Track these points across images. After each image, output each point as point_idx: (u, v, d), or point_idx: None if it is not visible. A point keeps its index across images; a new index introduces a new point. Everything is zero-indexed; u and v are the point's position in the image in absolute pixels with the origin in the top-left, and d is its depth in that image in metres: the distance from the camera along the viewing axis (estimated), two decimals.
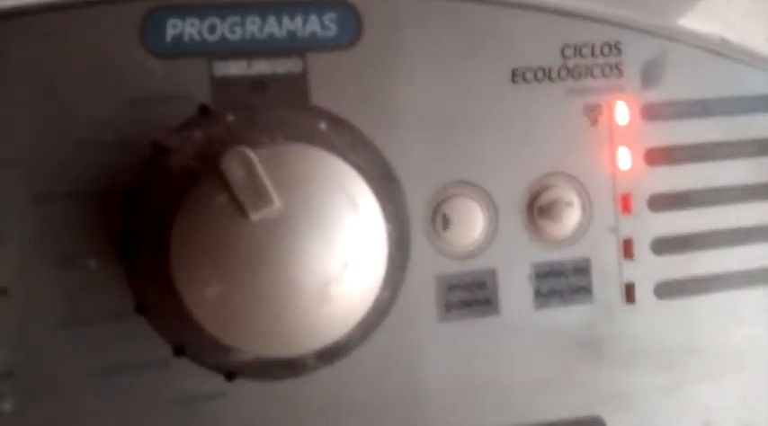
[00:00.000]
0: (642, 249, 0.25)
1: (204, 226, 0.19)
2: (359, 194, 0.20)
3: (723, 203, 0.25)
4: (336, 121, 0.23)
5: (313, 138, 0.22)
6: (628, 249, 0.25)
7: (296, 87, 0.22)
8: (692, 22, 0.24)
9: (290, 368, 0.23)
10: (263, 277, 0.19)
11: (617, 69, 0.25)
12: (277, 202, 0.19)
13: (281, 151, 0.20)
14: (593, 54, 0.24)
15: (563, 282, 0.24)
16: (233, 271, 0.19)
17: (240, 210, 0.19)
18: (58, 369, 0.21)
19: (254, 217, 0.19)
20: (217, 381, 0.22)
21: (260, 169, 0.19)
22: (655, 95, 0.25)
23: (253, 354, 0.21)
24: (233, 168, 0.19)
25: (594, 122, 0.24)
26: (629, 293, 0.25)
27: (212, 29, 0.22)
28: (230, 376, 0.22)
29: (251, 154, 0.19)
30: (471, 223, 0.24)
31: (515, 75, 0.24)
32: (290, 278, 0.19)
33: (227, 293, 0.19)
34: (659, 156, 0.25)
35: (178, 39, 0.22)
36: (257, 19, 0.22)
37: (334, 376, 0.23)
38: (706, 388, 0.26)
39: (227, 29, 0.22)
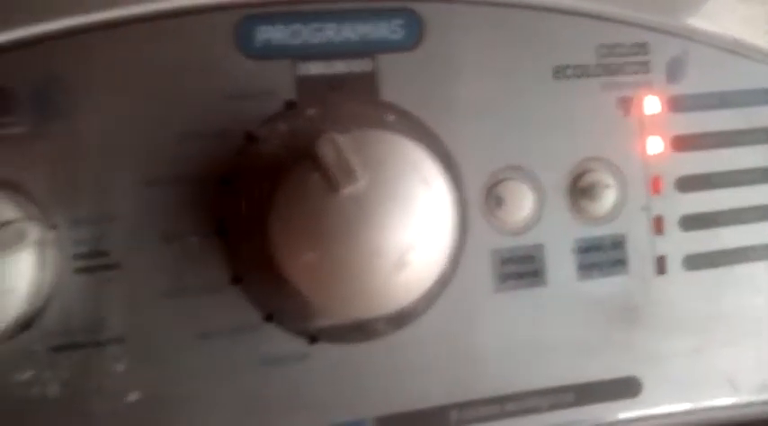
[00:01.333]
0: (671, 225, 0.28)
1: (300, 201, 0.22)
2: (430, 174, 0.23)
3: (741, 184, 0.28)
4: (402, 114, 0.26)
5: (383, 129, 0.25)
6: (658, 226, 0.28)
7: (367, 84, 0.25)
8: (710, 22, 0.28)
9: (363, 332, 0.25)
10: (350, 244, 0.22)
11: (645, 66, 0.28)
12: (362, 180, 0.22)
13: (364, 136, 0.23)
14: (624, 53, 0.27)
15: (602, 256, 0.27)
16: (325, 240, 0.22)
17: (332, 187, 0.22)
18: (163, 335, 0.24)
19: (344, 192, 0.22)
20: (301, 344, 0.25)
21: (348, 151, 0.22)
22: (679, 89, 0.28)
23: (337, 316, 0.24)
24: (325, 151, 0.22)
25: (627, 113, 0.27)
26: (661, 265, 0.28)
27: (296, 34, 0.25)
28: (312, 339, 0.25)
29: (340, 138, 0.22)
30: (521, 203, 0.27)
31: (557, 72, 0.27)
32: (373, 245, 0.22)
33: (320, 259, 0.22)
34: (684, 143, 0.28)
35: (267, 43, 0.25)
36: (334, 25, 0.25)
37: (400, 340, 0.26)
38: (729, 351, 0.28)
39: (309, 34, 0.25)
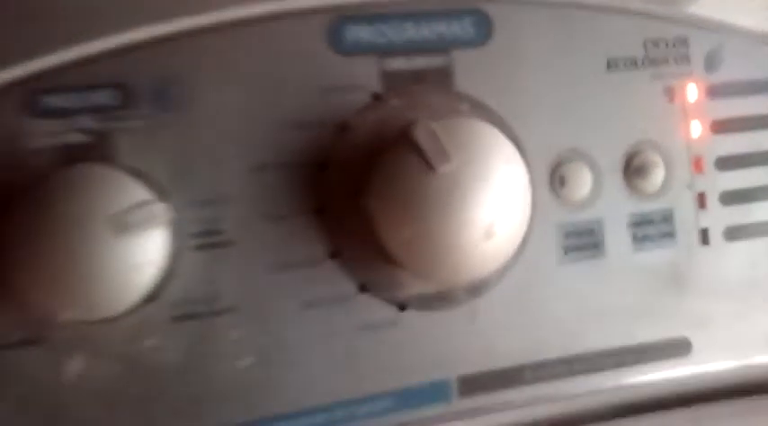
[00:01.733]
0: (712, 201, 0.31)
1: (399, 182, 0.25)
2: (511, 155, 0.26)
3: None
4: (475, 104, 0.28)
5: (457, 116, 0.28)
6: (701, 201, 0.31)
7: (444, 77, 0.28)
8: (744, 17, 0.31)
9: (445, 300, 0.28)
10: (445, 218, 0.24)
11: (686, 58, 0.31)
12: (454, 161, 0.25)
13: (454, 123, 0.25)
14: (667, 46, 0.30)
15: (653, 229, 0.30)
16: (423, 215, 0.24)
17: (428, 168, 0.25)
18: (271, 305, 0.26)
19: (440, 171, 0.24)
20: (391, 312, 0.27)
21: (441, 136, 0.25)
22: (716, 78, 0.31)
23: (431, 283, 0.27)
24: (421, 136, 0.25)
25: (672, 100, 0.30)
26: (704, 237, 0.31)
27: (381, 33, 0.28)
28: (402, 307, 0.28)
29: (433, 125, 0.25)
30: (581, 182, 0.29)
31: (610, 65, 0.30)
32: (464, 218, 0.25)
33: (418, 232, 0.25)
34: (722, 126, 0.31)
35: (356, 41, 0.27)
36: (414, 25, 0.28)
37: (478, 307, 0.28)
38: (766, 314, 0.32)
39: (392, 33, 0.28)
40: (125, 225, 0.22)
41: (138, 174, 0.25)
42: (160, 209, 0.23)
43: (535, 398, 0.29)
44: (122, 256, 0.23)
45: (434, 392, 0.28)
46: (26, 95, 0.24)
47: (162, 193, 0.25)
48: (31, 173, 0.24)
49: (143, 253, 0.23)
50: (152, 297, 0.25)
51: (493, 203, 0.25)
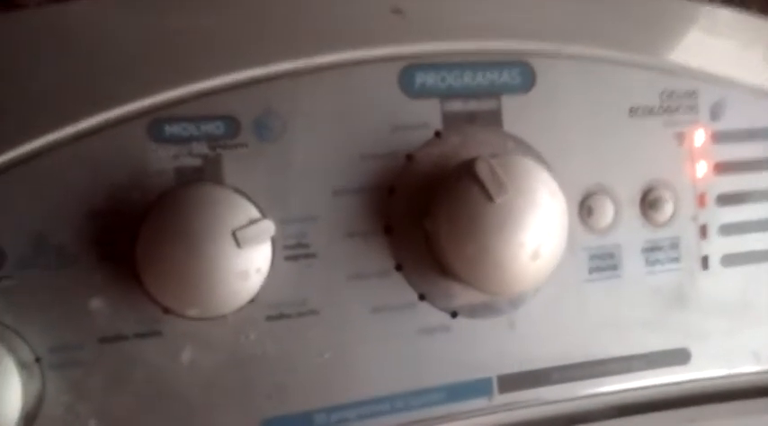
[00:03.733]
0: (713, 232, 0.36)
1: (463, 207, 0.29)
2: (554, 189, 0.31)
3: (766, 200, 0.37)
4: (519, 142, 0.33)
5: (509, 153, 0.32)
6: (703, 232, 0.36)
7: (494, 119, 0.33)
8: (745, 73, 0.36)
9: (490, 310, 0.33)
10: (501, 240, 0.29)
11: (695, 108, 0.36)
12: (510, 191, 0.29)
13: (508, 159, 0.30)
14: (679, 97, 0.36)
15: (662, 254, 0.35)
16: (483, 237, 0.29)
17: (488, 197, 0.29)
18: (346, 309, 0.31)
19: (498, 201, 0.29)
20: (445, 318, 0.32)
21: (498, 170, 0.30)
22: (720, 126, 0.36)
23: (480, 294, 0.31)
24: (482, 170, 0.30)
25: (681, 144, 0.36)
26: (705, 262, 0.36)
27: (444, 79, 0.32)
28: (454, 315, 0.32)
29: (492, 161, 0.30)
30: (605, 212, 0.34)
31: (631, 112, 0.35)
32: (517, 241, 0.29)
33: (478, 251, 0.29)
34: (723, 168, 0.36)
35: (422, 86, 0.32)
36: (470, 73, 0.33)
37: (517, 316, 0.33)
38: (756, 331, 0.37)
39: (452, 79, 0.32)
40: (244, 238, 0.27)
41: (242, 194, 0.29)
42: (269, 226, 0.28)
43: (560, 396, 0.34)
44: (239, 265, 0.27)
45: (478, 388, 0.33)
46: (150, 124, 0.29)
47: (260, 211, 0.29)
48: (155, 191, 0.28)
49: (254, 263, 0.28)
50: (252, 299, 0.29)
51: (539, 229, 0.30)
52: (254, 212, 0.28)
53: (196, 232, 0.27)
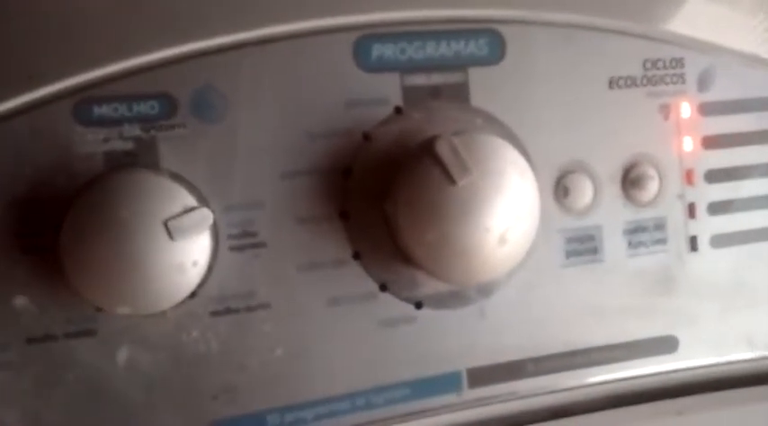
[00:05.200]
0: (701, 211, 0.33)
1: (423, 191, 0.27)
2: (524, 169, 0.28)
3: (758, 176, 0.34)
4: (489, 118, 0.31)
5: (474, 131, 0.30)
6: (691, 211, 0.33)
7: (460, 93, 0.30)
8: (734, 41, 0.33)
9: (458, 299, 0.30)
10: (464, 225, 0.27)
11: (681, 78, 0.33)
12: (474, 173, 0.27)
13: (472, 138, 0.28)
14: (664, 67, 0.33)
15: (647, 236, 0.33)
16: (445, 222, 0.27)
17: (450, 179, 0.27)
18: (299, 301, 0.29)
19: (460, 183, 0.27)
20: (409, 309, 0.30)
21: (461, 150, 0.27)
22: (708, 97, 0.33)
23: (450, 283, 0.29)
24: (443, 149, 0.27)
25: (667, 117, 0.33)
26: (693, 243, 0.33)
27: (403, 51, 0.30)
28: (418, 305, 0.30)
29: (455, 139, 0.27)
30: (583, 192, 0.32)
31: (611, 83, 0.32)
32: (482, 225, 0.27)
33: (440, 237, 0.27)
34: (712, 142, 0.34)
35: (380, 58, 0.29)
36: (433, 43, 0.30)
37: (487, 306, 0.31)
38: (748, 314, 0.34)
39: (413, 51, 0.30)
40: (177, 229, 0.24)
41: (180, 180, 0.27)
42: (206, 215, 0.25)
43: (536, 389, 0.32)
44: (173, 257, 0.25)
45: (447, 383, 0.30)
46: (77, 105, 0.26)
47: (200, 198, 0.27)
48: (82, 177, 0.26)
49: (190, 255, 0.25)
50: (193, 293, 0.27)
51: (507, 212, 0.27)
52: (190, 200, 0.26)
53: (123, 222, 0.24)
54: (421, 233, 0.27)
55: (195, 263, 0.25)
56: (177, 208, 0.25)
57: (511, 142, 0.29)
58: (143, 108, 0.27)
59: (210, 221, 0.26)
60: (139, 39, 0.27)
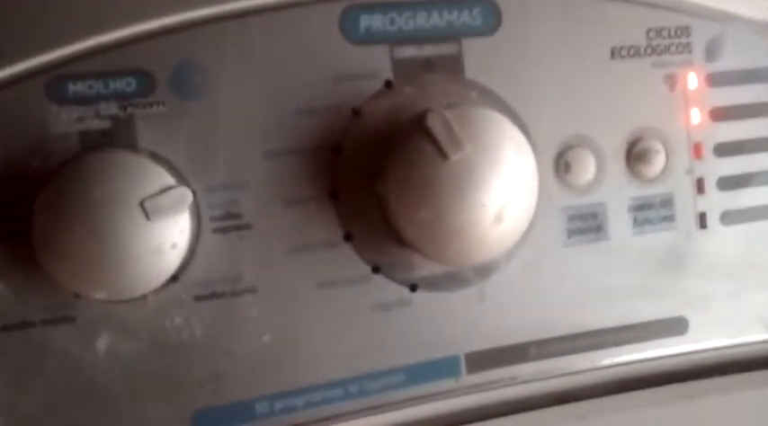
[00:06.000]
0: (711, 186, 0.32)
1: (415, 168, 0.26)
2: (521, 143, 0.27)
3: None
4: (484, 91, 0.29)
5: (469, 104, 0.28)
6: (700, 186, 0.32)
7: (454, 65, 0.29)
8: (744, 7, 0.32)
9: (456, 281, 0.29)
10: (459, 203, 0.25)
11: (688, 47, 0.32)
12: (468, 148, 0.26)
13: (466, 112, 0.26)
14: (669, 35, 0.31)
15: (654, 213, 0.31)
16: (438, 199, 0.25)
17: (442, 154, 0.25)
18: (287, 285, 0.27)
19: (453, 159, 0.25)
20: (403, 292, 0.29)
21: (454, 125, 0.26)
22: (716, 67, 0.32)
23: (442, 264, 0.28)
24: (435, 125, 0.26)
25: (673, 88, 0.31)
26: (702, 220, 0.32)
27: (392, 21, 0.28)
28: (413, 288, 0.29)
29: (447, 113, 0.26)
30: (585, 167, 0.30)
31: (613, 53, 0.31)
32: (477, 203, 0.25)
33: (433, 216, 0.25)
34: (721, 114, 0.32)
35: (368, 29, 0.28)
36: (424, 13, 0.29)
37: (486, 287, 0.30)
38: (761, 294, 0.33)
39: (403, 21, 0.28)
40: (152, 209, 0.23)
41: (159, 160, 0.26)
42: (184, 194, 0.24)
43: (539, 374, 0.30)
44: (150, 239, 0.23)
45: (444, 368, 0.29)
46: (50, 82, 0.25)
47: (180, 178, 0.26)
48: (56, 158, 0.25)
49: (169, 236, 0.24)
50: (175, 277, 0.26)
51: (503, 189, 0.26)
52: (168, 179, 0.24)
53: (97, 203, 0.23)
54: (413, 211, 0.26)
55: (174, 246, 0.24)
56: (154, 188, 0.24)
57: (508, 116, 0.28)
58: (119, 85, 0.26)
59: (190, 201, 0.24)
60: (114, 12, 0.25)
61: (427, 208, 0.26)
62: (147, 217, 0.23)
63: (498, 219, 0.26)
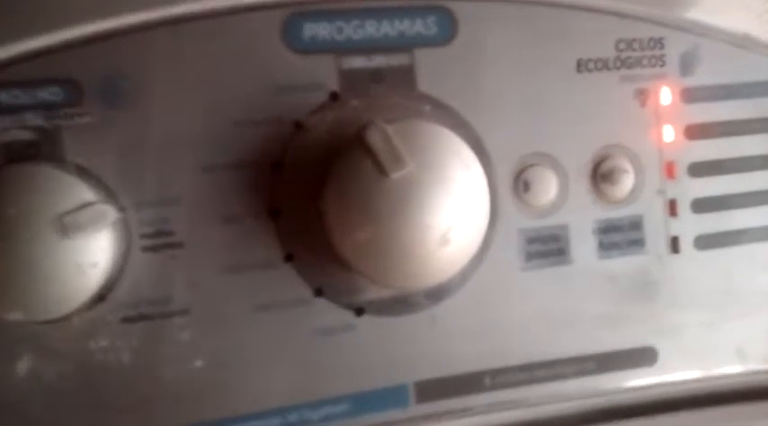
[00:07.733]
0: (684, 208, 0.30)
1: (353, 185, 0.24)
2: (470, 160, 0.25)
3: (748, 170, 0.30)
4: (438, 104, 0.28)
5: (414, 118, 0.27)
6: (672, 208, 0.30)
7: (405, 77, 0.27)
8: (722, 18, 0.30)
9: (404, 305, 0.28)
10: (400, 223, 0.24)
11: (660, 60, 0.30)
12: (410, 164, 0.24)
13: (410, 126, 0.25)
14: (641, 47, 0.29)
15: (621, 236, 0.29)
16: (377, 219, 0.24)
17: (382, 172, 0.24)
18: (222, 307, 0.26)
19: (393, 176, 0.24)
20: (348, 316, 0.27)
21: (395, 139, 0.24)
22: (691, 81, 0.30)
23: (386, 288, 0.26)
24: (374, 139, 0.24)
25: (644, 104, 0.30)
26: (674, 244, 0.30)
27: (340, 30, 0.27)
28: (359, 312, 0.27)
29: (387, 128, 0.24)
30: (546, 187, 0.29)
31: (580, 66, 0.29)
32: (420, 224, 0.24)
33: (372, 237, 0.24)
34: (696, 131, 0.30)
35: (313, 38, 0.27)
36: (374, 22, 0.27)
37: (438, 312, 0.28)
38: (738, 324, 0.31)
39: (351, 30, 0.27)
40: (70, 226, 0.22)
41: (86, 173, 0.24)
42: (105, 211, 0.23)
43: (494, 405, 0.29)
44: (68, 258, 0.22)
45: (391, 397, 0.28)
46: None
47: (109, 193, 0.25)
48: None
49: (88, 255, 0.23)
50: (101, 297, 0.24)
51: (450, 209, 0.24)
52: (88, 195, 0.23)
53: (11, 219, 0.22)
54: (351, 230, 0.24)
55: (95, 265, 0.23)
56: (74, 204, 0.23)
57: (463, 131, 0.27)
58: (46, 94, 0.24)
59: (111, 218, 0.23)
60: (40, 19, 0.24)
61: (366, 228, 0.24)
62: (65, 233, 0.22)
63: (444, 241, 0.24)
